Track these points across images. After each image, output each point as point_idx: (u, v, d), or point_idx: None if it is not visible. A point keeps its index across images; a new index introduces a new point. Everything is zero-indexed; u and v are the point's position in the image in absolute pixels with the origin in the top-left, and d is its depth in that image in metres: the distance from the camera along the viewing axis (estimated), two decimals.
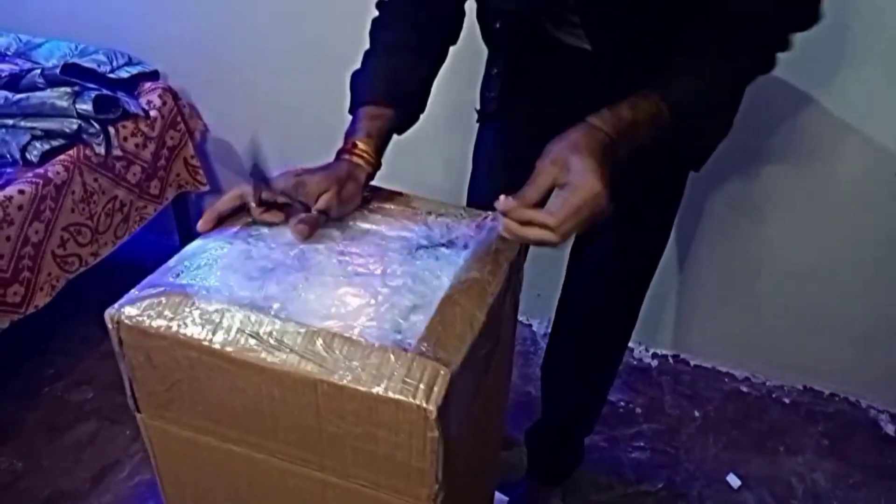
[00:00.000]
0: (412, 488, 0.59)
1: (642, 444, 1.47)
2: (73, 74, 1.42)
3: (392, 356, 0.55)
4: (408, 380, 0.54)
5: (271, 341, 0.57)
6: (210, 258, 0.67)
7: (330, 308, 0.61)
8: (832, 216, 1.41)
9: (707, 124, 0.87)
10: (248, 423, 0.62)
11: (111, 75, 1.53)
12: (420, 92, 0.84)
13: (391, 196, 0.79)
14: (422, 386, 0.53)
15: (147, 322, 0.60)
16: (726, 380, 1.64)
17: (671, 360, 1.69)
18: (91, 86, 1.43)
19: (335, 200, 0.72)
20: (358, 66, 0.83)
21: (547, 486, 1.31)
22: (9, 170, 1.31)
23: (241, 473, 0.67)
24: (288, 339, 0.57)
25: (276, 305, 0.61)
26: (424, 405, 0.53)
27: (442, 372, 0.54)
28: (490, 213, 0.74)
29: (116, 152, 1.46)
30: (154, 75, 1.64)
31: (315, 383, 0.56)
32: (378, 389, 0.54)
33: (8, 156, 1.33)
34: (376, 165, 0.78)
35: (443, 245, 0.71)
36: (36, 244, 1.32)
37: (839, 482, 1.41)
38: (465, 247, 0.70)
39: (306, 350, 0.56)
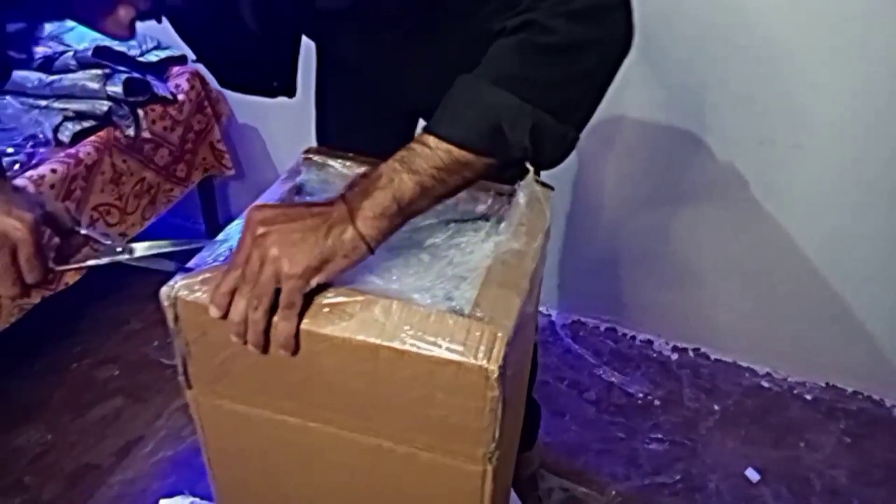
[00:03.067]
0: (469, 449, 0.60)
1: (660, 436, 1.47)
2: (104, 57, 1.44)
3: (450, 321, 0.57)
4: (468, 342, 0.56)
5: (329, 310, 0.58)
6: None
7: (381, 278, 0.63)
8: (857, 210, 1.39)
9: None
10: (304, 393, 0.63)
11: (141, 59, 1.55)
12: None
13: None
14: (482, 348, 0.55)
15: (205, 297, 0.60)
16: (747, 374, 1.63)
17: (691, 354, 1.68)
18: (121, 69, 1.45)
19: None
20: None
21: (521, 454, 1.27)
22: (41, 150, 1.34)
23: (293, 444, 0.68)
24: (347, 307, 0.58)
25: None
26: (486, 365, 0.55)
27: (500, 334, 0.56)
28: (518, 184, 0.74)
29: (145, 135, 1.49)
30: (182, 59, 1.65)
31: (376, 349, 0.57)
32: (439, 352, 0.56)
33: (41, 136, 1.35)
34: None
35: (480, 219, 0.72)
36: None
37: (859, 479, 1.40)
38: (500, 220, 0.72)
39: (365, 317, 0.58)
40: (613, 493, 1.35)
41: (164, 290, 0.62)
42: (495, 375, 0.55)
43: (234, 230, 0.70)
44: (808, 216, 1.44)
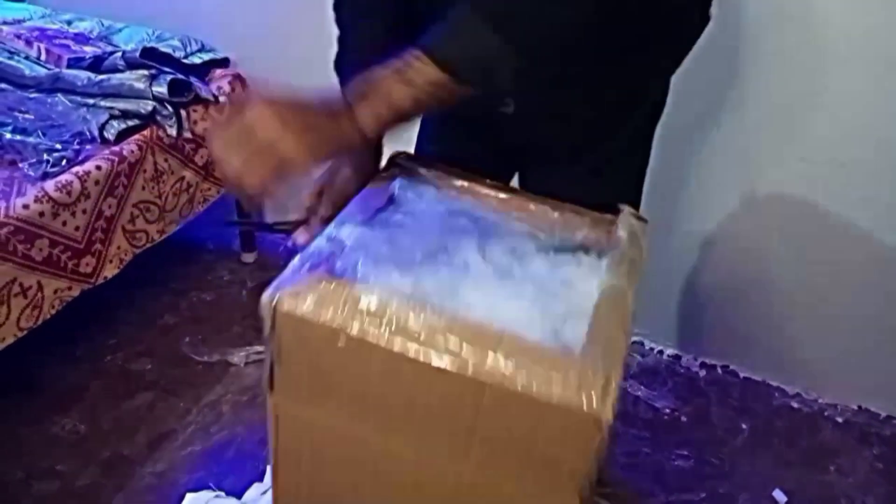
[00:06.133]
0: (563, 491, 0.58)
1: (686, 452, 1.46)
2: (150, 58, 1.48)
3: (562, 361, 0.55)
4: (581, 385, 0.53)
5: (436, 339, 0.57)
6: (357, 243, 0.67)
7: (486, 309, 0.61)
8: (892, 235, 1.37)
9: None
10: (394, 418, 0.62)
11: (185, 61, 1.59)
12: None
13: (498, 186, 0.79)
14: (594, 393, 0.53)
15: (307, 309, 0.59)
16: (776, 394, 1.61)
17: (720, 371, 1.66)
18: (167, 70, 1.49)
19: (329, 202, 0.76)
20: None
21: None
22: (88, 146, 1.38)
23: (369, 465, 0.66)
24: (453, 339, 0.56)
25: (435, 300, 0.61)
26: (600, 413, 0.52)
27: (612, 379, 0.54)
28: (615, 215, 0.74)
29: (186, 135, 1.52)
30: (225, 62, 1.69)
31: (483, 385, 0.55)
32: (549, 397, 0.53)
33: (87, 133, 1.39)
34: (379, 142, 0.76)
35: (580, 249, 0.71)
36: (108, 218, 1.39)
37: None
38: (601, 253, 0.70)
39: (474, 350, 0.56)
40: None
41: (264, 298, 0.60)
42: (608, 424, 0.53)
43: (345, 216, 0.70)
44: (845, 234, 1.41)
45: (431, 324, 0.57)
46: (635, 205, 0.97)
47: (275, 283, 0.61)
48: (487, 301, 0.62)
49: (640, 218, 0.75)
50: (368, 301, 0.59)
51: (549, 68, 0.63)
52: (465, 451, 0.60)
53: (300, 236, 0.75)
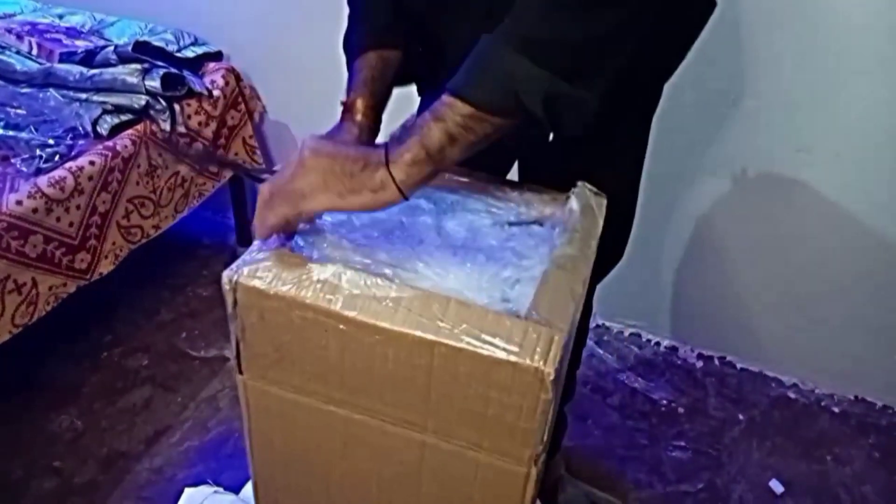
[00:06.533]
0: (517, 449, 0.61)
1: (684, 444, 1.46)
2: (143, 52, 1.47)
3: (507, 321, 0.58)
4: (524, 344, 0.57)
5: (390, 304, 0.60)
6: (316, 225, 0.70)
7: (438, 276, 0.64)
8: (888, 224, 1.37)
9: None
10: (355, 385, 0.64)
11: (178, 54, 1.58)
12: (396, 24, 0.82)
13: (462, 172, 0.81)
14: (538, 349, 0.56)
15: (265, 283, 0.62)
16: (773, 385, 1.61)
17: (717, 362, 1.66)
18: (160, 64, 1.48)
19: None
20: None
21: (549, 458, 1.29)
22: (81, 142, 1.37)
23: (338, 435, 0.69)
24: (405, 303, 0.60)
25: (388, 271, 0.64)
26: (542, 367, 0.56)
27: (556, 337, 0.57)
28: (572, 191, 0.76)
29: (180, 129, 1.51)
30: (218, 56, 1.68)
31: (433, 345, 0.58)
32: (495, 352, 0.57)
33: (80, 128, 1.38)
34: (376, 118, 0.78)
35: (534, 223, 0.74)
36: (103, 214, 1.38)
37: (891, 497, 1.37)
38: (554, 226, 0.73)
39: (424, 313, 0.59)
40: (636, 499, 1.34)
41: (225, 274, 0.63)
42: (551, 378, 0.56)
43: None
44: (841, 226, 1.41)
45: (383, 292, 0.61)
46: (634, 192, 0.97)
47: (237, 262, 0.64)
48: (438, 270, 0.65)
49: (597, 193, 0.77)
50: (324, 273, 0.62)
51: (583, 83, 0.60)
52: (423, 416, 0.63)
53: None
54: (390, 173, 0.61)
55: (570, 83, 0.59)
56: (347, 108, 0.78)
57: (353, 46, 0.81)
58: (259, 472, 0.79)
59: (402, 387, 0.62)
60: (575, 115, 0.61)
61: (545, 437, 0.60)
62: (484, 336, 0.57)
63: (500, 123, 0.61)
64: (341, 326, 0.61)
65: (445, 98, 0.61)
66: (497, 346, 0.57)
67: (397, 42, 0.82)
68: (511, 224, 0.74)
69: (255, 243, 0.67)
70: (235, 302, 0.64)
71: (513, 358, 0.56)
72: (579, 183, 0.77)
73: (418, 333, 0.58)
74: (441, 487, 0.68)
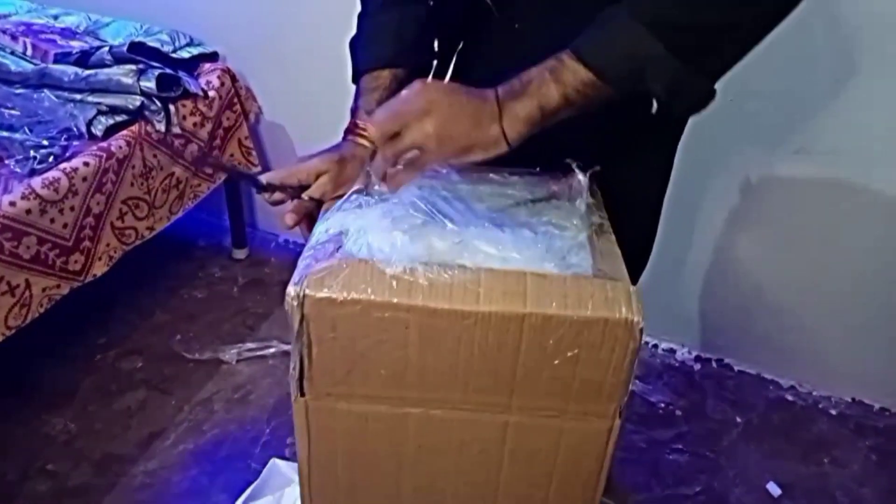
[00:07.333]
0: (602, 406, 0.63)
1: (681, 446, 1.45)
2: (138, 53, 1.46)
3: (586, 283, 0.61)
4: (609, 299, 0.59)
5: (469, 287, 0.60)
6: (358, 227, 0.67)
7: (500, 254, 0.65)
8: (893, 220, 1.36)
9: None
10: (435, 380, 0.64)
11: (173, 55, 1.57)
12: (423, 43, 0.82)
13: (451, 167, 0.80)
14: (622, 302, 0.59)
15: (336, 291, 0.59)
16: (771, 387, 1.61)
17: (715, 364, 1.66)
18: (155, 64, 1.47)
19: (331, 184, 0.74)
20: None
21: None
22: (75, 143, 1.36)
23: (411, 440, 0.68)
24: (484, 284, 0.60)
25: (451, 258, 0.63)
26: (632, 317, 0.59)
27: (632, 289, 0.61)
28: (573, 167, 0.75)
29: (175, 130, 1.51)
30: (214, 56, 1.67)
31: (522, 318, 0.59)
32: (585, 312, 0.59)
33: (75, 129, 1.37)
34: None
35: (551, 198, 0.75)
36: (97, 215, 1.37)
37: (888, 499, 1.37)
38: (571, 199, 0.74)
39: (506, 290, 0.60)
40: (634, 503, 1.34)
41: (290, 290, 0.60)
42: (640, 326, 0.59)
43: (332, 224, 0.69)
44: (840, 227, 1.41)
45: (459, 277, 0.61)
46: (654, 222, 1.00)
47: (294, 278, 0.61)
48: (497, 249, 0.65)
49: (581, 167, 0.77)
50: (394, 270, 0.61)
51: (707, 71, 0.61)
52: (508, 395, 0.64)
53: (288, 217, 0.74)
54: (503, 130, 0.62)
55: (696, 70, 0.60)
56: (355, 130, 0.77)
57: (370, 58, 0.80)
58: (315, 494, 0.74)
59: (488, 370, 0.62)
60: (693, 100, 0.63)
61: (629, 387, 0.62)
62: (569, 300, 0.59)
63: (614, 95, 0.62)
64: (424, 320, 0.60)
65: (568, 61, 0.61)
66: (586, 307, 0.59)
67: (416, 61, 0.81)
68: (531, 201, 0.74)
69: (304, 255, 0.64)
70: (303, 318, 0.60)
71: (603, 313, 0.58)
72: (571, 163, 0.76)
73: (508, 309, 0.59)
74: (523, 465, 0.68)
